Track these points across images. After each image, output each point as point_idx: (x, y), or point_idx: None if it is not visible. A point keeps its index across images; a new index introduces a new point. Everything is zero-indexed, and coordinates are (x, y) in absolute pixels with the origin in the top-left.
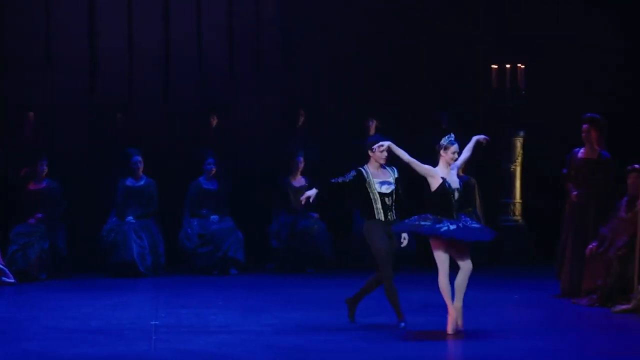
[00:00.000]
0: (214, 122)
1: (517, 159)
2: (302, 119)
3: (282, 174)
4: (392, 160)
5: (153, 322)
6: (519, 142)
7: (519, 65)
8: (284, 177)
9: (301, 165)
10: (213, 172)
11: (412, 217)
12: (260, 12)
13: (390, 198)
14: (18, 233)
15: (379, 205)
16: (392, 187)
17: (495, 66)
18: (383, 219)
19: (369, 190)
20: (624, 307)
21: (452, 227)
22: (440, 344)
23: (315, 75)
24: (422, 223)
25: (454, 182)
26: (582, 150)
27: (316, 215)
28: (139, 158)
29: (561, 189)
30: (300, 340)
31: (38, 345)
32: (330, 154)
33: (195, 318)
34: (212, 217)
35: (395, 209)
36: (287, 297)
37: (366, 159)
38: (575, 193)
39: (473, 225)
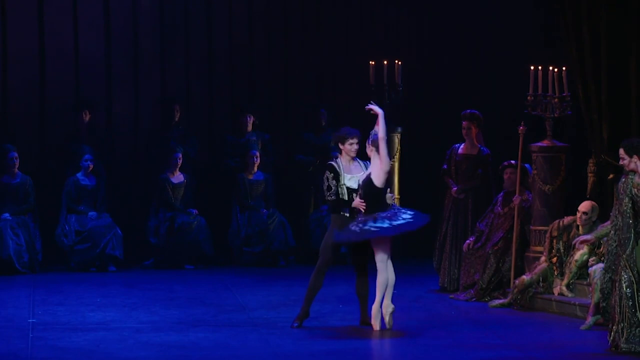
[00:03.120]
0: (87, 117)
1: (395, 154)
2: (178, 114)
3: (161, 169)
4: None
5: (30, 320)
6: (397, 138)
7: (396, 61)
8: (163, 173)
9: (180, 162)
10: (90, 168)
11: (351, 224)
12: (137, 3)
13: (357, 194)
14: None
15: (346, 200)
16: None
17: (373, 63)
18: (348, 215)
19: (337, 185)
20: (500, 301)
21: (394, 222)
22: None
23: (192, 69)
24: (369, 227)
25: (360, 178)
26: (462, 146)
27: (195, 211)
28: (15, 154)
29: (439, 184)
30: (180, 337)
31: None
32: (208, 150)
33: (73, 315)
34: (90, 213)
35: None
36: (166, 294)
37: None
38: (454, 188)
39: (403, 215)
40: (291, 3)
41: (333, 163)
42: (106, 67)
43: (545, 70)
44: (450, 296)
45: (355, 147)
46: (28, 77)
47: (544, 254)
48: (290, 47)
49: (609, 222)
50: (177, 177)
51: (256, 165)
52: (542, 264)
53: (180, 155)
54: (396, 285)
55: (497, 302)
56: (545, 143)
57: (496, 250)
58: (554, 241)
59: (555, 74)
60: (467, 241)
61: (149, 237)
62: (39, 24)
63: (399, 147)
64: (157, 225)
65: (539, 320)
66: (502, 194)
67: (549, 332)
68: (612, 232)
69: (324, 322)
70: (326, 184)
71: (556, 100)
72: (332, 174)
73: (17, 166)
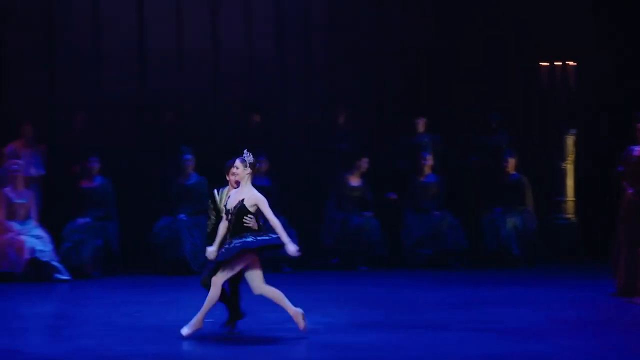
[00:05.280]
0: (258, 118)
1: (569, 157)
2: (344, 117)
3: (340, 172)
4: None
5: (207, 320)
6: (570, 140)
7: (568, 63)
8: (342, 175)
9: (365, 166)
10: (264, 169)
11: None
12: (308, 10)
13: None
14: (71, 230)
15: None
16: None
17: (546, 64)
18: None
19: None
20: None
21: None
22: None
23: (361, 70)
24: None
25: (231, 202)
26: (637, 147)
27: (370, 213)
28: (190, 156)
29: (615, 186)
30: (354, 338)
31: (92, 342)
32: (376, 153)
33: (247, 315)
34: None
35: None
36: (340, 295)
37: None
38: (630, 191)
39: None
40: (464, 6)
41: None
42: (279, 69)
43: None
44: (629, 300)
45: (234, 178)
46: (202, 78)
47: None
48: (463, 49)
49: None
50: (355, 180)
51: (427, 167)
52: None
53: (367, 160)
54: (573, 289)
55: None
56: None
57: None
58: None
59: None
60: None
61: (323, 239)
62: (213, 25)
63: (573, 149)
64: (332, 227)
65: None
66: None
67: None
68: None
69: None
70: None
71: None
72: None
73: (192, 167)
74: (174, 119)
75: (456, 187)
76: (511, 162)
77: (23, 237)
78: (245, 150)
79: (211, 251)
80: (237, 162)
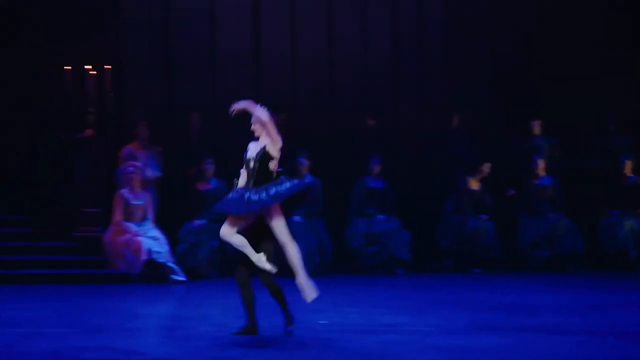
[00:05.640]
0: (372, 122)
1: None
2: (459, 119)
3: (460, 175)
4: None
5: (321, 322)
6: None
7: None
8: (463, 178)
9: (487, 170)
10: (377, 170)
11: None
12: (424, 13)
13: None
14: (187, 232)
15: None
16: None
17: None
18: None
19: None
20: None
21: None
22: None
23: (476, 71)
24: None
25: (250, 151)
26: None
27: (486, 216)
28: (304, 159)
29: None
30: (469, 340)
31: (207, 343)
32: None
33: (363, 317)
34: (378, 216)
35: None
36: (454, 297)
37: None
38: None
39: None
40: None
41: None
42: (393, 72)
43: None
44: None
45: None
46: (317, 82)
47: None
48: (578, 50)
49: None
50: (475, 184)
51: (540, 170)
52: None
53: (490, 165)
54: None
55: None
56: None
57: None
58: None
59: None
60: None
61: (440, 240)
62: (328, 28)
63: None
64: (449, 228)
65: None
66: None
67: None
68: None
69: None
70: None
71: None
72: None
73: (306, 170)
74: (288, 121)
75: (573, 190)
76: (629, 165)
77: (140, 239)
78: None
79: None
80: (259, 113)
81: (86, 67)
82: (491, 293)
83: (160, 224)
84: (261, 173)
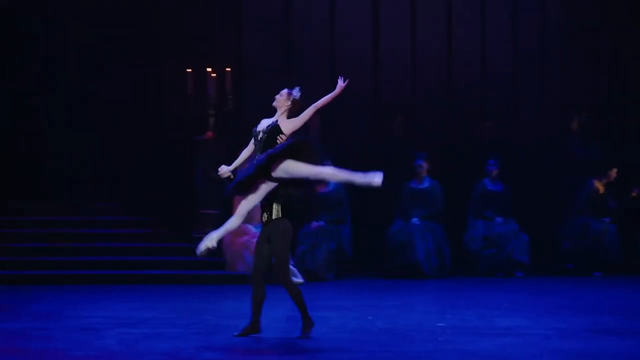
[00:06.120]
0: (490, 124)
1: None
2: (578, 121)
3: (581, 178)
4: None
5: (439, 324)
6: None
7: None
8: (590, 181)
9: (614, 176)
10: (495, 173)
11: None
12: (544, 12)
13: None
14: (305, 234)
15: None
16: None
17: None
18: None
19: None
20: None
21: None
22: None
23: (597, 77)
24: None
25: (261, 125)
26: None
27: (609, 219)
28: (422, 162)
29: None
30: (588, 344)
31: (326, 344)
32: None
33: (481, 320)
34: (496, 219)
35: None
36: (573, 301)
37: None
38: None
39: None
40: None
41: None
42: (513, 75)
43: None
44: None
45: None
46: (436, 83)
47: None
48: None
49: None
50: (600, 187)
51: None
52: None
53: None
54: None
55: None
56: None
57: None
58: None
59: None
60: None
61: (561, 242)
62: (447, 29)
63: None
64: (572, 231)
65: None
66: None
67: None
68: None
69: None
70: None
71: None
72: None
73: (424, 172)
74: (407, 122)
75: None
76: None
77: None
78: (297, 88)
79: (225, 169)
80: (284, 91)
81: (207, 69)
82: (612, 297)
83: None
84: (268, 145)
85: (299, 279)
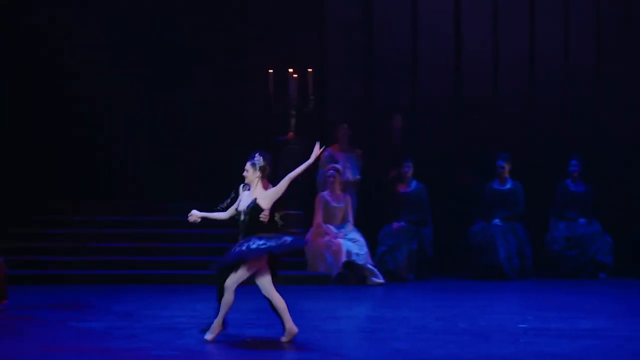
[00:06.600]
0: (570, 123)
1: None
2: None
3: None
4: None
5: (521, 325)
6: None
7: None
8: None
9: None
10: (578, 174)
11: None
12: (630, 11)
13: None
14: (386, 234)
15: None
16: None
17: None
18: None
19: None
20: None
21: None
22: None
23: None
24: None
25: (243, 204)
26: None
27: None
28: (503, 163)
29: None
30: None
31: (408, 344)
32: None
33: (563, 322)
34: (579, 220)
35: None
36: None
37: None
38: None
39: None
40: None
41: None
42: (595, 74)
43: None
44: None
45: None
46: (517, 83)
47: None
48: None
49: None
50: None
51: None
52: None
53: None
54: None
55: None
56: None
57: None
58: None
59: None
60: None
61: None
62: (529, 29)
63: None
64: None
65: None
66: None
67: None
68: None
69: None
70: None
71: None
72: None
73: (506, 173)
74: (487, 122)
75: None
76: None
77: (340, 241)
78: (257, 154)
79: (194, 213)
80: (247, 165)
81: (289, 70)
82: None
83: (359, 226)
84: (252, 226)
85: (379, 280)
